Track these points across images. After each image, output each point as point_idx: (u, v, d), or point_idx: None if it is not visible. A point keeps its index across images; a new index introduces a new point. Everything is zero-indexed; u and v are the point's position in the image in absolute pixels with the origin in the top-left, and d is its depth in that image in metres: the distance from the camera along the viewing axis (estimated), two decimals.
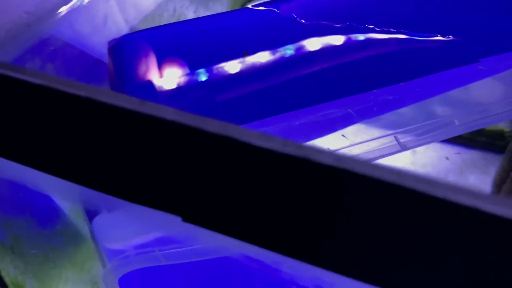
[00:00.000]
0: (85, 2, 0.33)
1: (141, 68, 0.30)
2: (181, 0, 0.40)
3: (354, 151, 0.26)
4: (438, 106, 0.28)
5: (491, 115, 0.27)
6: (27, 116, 0.18)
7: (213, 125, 0.15)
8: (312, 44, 0.29)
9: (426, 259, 0.14)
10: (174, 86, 0.29)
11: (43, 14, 0.31)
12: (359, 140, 0.26)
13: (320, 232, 0.15)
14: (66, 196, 0.28)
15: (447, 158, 0.36)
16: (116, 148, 0.17)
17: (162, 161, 0.16)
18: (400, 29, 0.29)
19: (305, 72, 0.29)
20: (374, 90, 0.27)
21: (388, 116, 0.27)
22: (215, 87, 0.29)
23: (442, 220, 0.12)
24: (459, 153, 0.37)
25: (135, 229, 0.25)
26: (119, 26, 0.36)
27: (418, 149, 0.35)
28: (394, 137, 0.26)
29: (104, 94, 0.17)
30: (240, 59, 0.29)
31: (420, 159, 0.37)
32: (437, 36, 0.29)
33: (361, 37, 0.29)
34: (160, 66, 0.29)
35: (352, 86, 0.28)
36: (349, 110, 0.26)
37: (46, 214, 0.32)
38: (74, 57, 0.33)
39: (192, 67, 0.29)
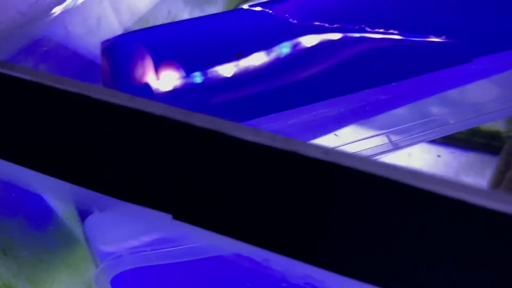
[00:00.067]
0: (79, 3, 0.33)
1: (135, 69, 0.30)
2: (176, 2, 0.40)
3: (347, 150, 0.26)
4: (432, 106, 0.28)
5: (485, 114, 0.27)
6: (17, 113, 0.18)
7: (202, 120, 0.15)
8: (306, 44, 0.29)
9: (416, 253, 0.13)
10: (168, 86, 0.29)
11: (36, 15, 0.30)
12: (352, 139, 0.26)
13: (311, 228, 0.15)
14: (57, 195, 0.28)
15: (438, 156, 0.36)
16: (107, 145, 0.17)
17: (152, 156, 0.16)
18: (393, 29, 0.29)
19: (299, 72, 0.29)
20: (367, 90, 0.27)
21: (381, 116, 0.27)
22: (209, 87, 0.29)
23: (429, 212, 0.12)
24: (453, 152, 0.37)
25: (127, 229, 0.25)
26: (113, 27, 0.36)
27: (413, 151, 0.35)
28: (386, 136, 0.26)
29: (95, 90, 0.17)
30: (234, 60, 0.29)
31: (415, 162, 0.36)
32: (431, 36, 0.29)
33: (355, 37, 0.29)
34: (154, 66, 0.29)
35: (345, 86, 0.28)
36: (343, 109, 0.26)
37: (38, 216, 0.32)
38: (67, 58, 0.33)
39: (186, 67, 0.29)
